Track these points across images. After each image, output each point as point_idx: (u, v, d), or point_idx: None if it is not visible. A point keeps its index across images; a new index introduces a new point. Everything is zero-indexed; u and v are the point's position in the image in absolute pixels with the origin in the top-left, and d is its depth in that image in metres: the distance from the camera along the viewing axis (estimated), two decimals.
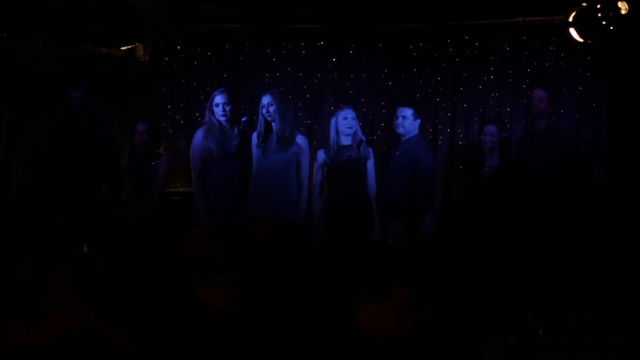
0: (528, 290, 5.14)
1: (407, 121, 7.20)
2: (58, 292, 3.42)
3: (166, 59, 8.94)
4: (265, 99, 7.12)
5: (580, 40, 7.38)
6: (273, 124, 7.14)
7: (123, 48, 7.94)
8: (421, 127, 7.37)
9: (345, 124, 7.15)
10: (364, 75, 8.80)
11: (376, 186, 7.29)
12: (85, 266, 4.11)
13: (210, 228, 6.82)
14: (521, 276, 5.67)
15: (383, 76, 8.78)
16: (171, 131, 8.92)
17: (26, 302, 3.14)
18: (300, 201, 7.12)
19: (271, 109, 7.09)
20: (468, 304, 4.15)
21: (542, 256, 6.74)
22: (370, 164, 7.24)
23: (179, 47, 8.94)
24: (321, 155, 7.27)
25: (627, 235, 6.92)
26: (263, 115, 7.14)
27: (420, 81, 8.70)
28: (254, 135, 7.25)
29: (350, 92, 8.80)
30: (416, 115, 7.23)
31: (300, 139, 7.21)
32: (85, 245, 5.45)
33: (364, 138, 7.12)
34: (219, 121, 7.17)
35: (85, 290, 3.94)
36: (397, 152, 7.32)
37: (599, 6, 7.02)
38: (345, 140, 7.18)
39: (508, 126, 8.24)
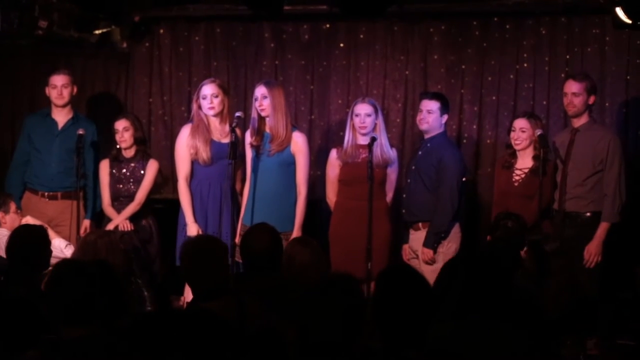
0: (569, 314, 5.20)
1: (433, 116, 6.99)
2: None
3: (147, 44, 8.59)
4: (259, 90, 6.87)
5: (629, 21, 7.07)
6: (267, 119, 6.86)
7: (97, 32, 7.91)
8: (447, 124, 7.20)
9: (358, 122, 6.89)
10: (377, 63, 8.35)
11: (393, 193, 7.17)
12: None
13: (198, 240, 6.28)
14: (561, 298, 5.50)
15: (399, 64, 8.33)
16: (153, 128, 8.59)
17: None
18: (298, 208, 6.89)
19: (265, 102, 6.82)
20: (504, 328, 3.84)
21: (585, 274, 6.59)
22: (392, 170, 7.07)
23: (161, 31, 8.58)
24: (333, 155, 7.14)
25: None
26: (256, 109, 6.88)
27: (442, 70, 8.23)
28: (247, 133, 7.02)
29: (361, 82, 8.39)
30: (443, 109, 6.99)
31: (297, 136, 6.94)
32: None
33: (376, 136, 6.79)
34: (207, 116, 6.97)
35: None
36: (420, 152, 7.11)
37: None
38: (363, 140, 6.92)
39: (544, 122, 7.72)
